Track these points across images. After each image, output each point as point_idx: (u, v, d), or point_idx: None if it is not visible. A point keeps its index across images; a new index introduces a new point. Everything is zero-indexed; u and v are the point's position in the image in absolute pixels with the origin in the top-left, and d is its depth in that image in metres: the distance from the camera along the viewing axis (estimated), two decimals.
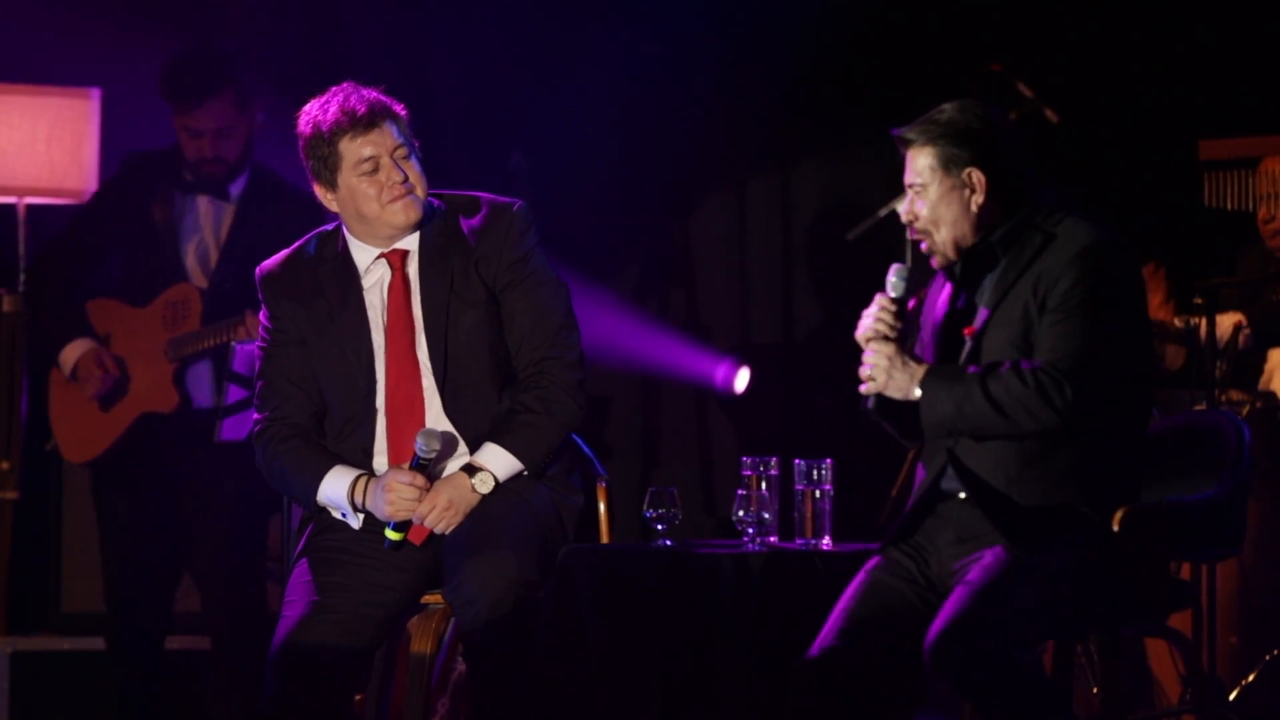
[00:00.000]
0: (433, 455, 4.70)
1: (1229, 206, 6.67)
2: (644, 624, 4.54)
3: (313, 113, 4.82)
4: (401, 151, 4.79)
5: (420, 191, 4.81)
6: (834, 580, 4.53)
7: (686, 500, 4.85)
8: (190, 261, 6.15)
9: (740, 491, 4.69)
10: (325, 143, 4.78)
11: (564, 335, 4.86)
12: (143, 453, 6.15)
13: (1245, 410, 6.32)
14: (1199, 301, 6.32)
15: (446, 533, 4.73)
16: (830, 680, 4.35)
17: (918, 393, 4.40)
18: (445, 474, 4.81)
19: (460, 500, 4.74)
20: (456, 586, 4.64)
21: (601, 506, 5.07)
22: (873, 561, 4.51)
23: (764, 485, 4.70)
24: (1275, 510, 6.28)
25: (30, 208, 7.02)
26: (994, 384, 4.35)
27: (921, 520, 4.52)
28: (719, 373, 7.69)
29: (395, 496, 4.71)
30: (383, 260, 4.86)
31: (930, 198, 4.47)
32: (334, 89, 4.83)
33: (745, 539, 4.67)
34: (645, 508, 4.71)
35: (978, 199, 4.46)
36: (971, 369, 4.41)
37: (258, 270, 4.93)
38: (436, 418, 4.81)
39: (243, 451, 6.01)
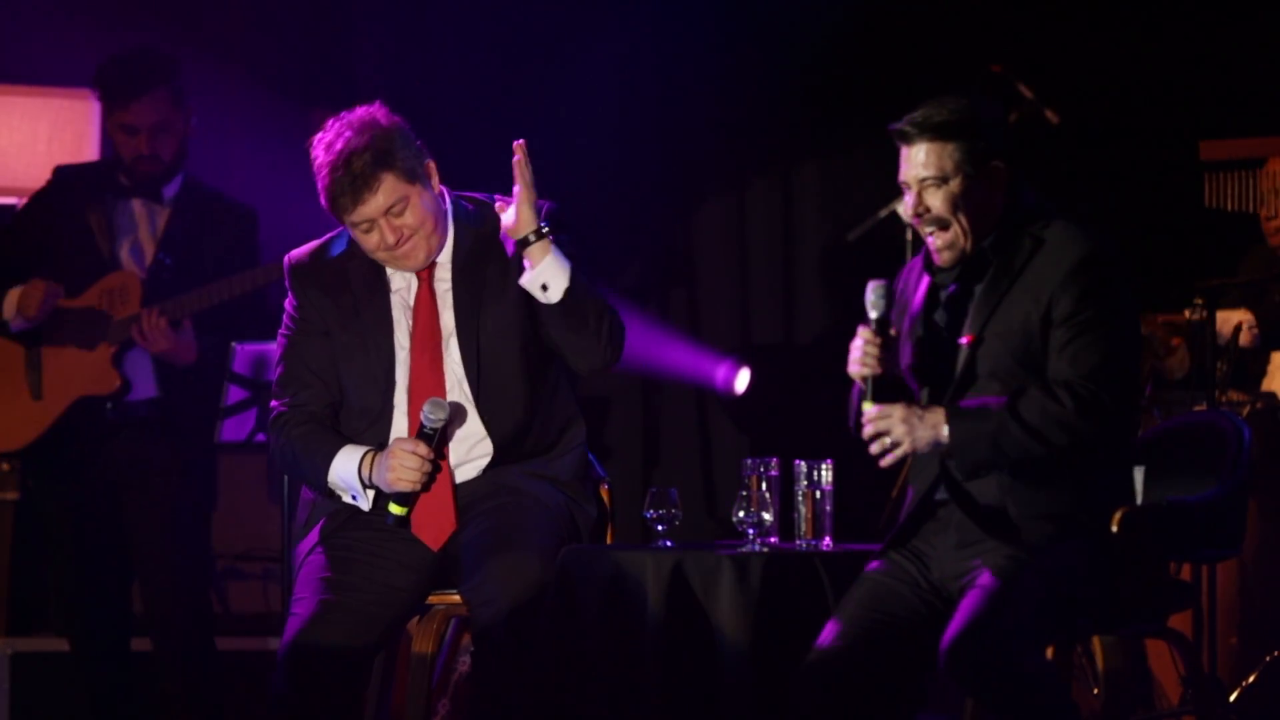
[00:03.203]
0: (439, 425, 4.67)
1: (1229, 207, 6.66)
2: (644, 625, 4.54)
3: (317, 154, 4.74)
4: (397, 208, 4.72)
5: (425, 230, 4.76)
6: (835, 581, 4.53)
7: (687, 501, 4.85)
8: (124, 257, 6.14)
9: (741, 492, 4.68)
10: (322, 199, 4.75)
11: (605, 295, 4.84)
12: (76, 441, 6.11)
13: (1245, 410, 6.31)
14: (1199, 302, 6.32)
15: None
16: (832, 683, 4.34)
17: (945, 434, 4.34)
18: (463, 480, 4.81)
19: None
20: (478, 585, 4.63)
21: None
22: (872, 565, 4.51)
23: (764, 486, 4.70)
24: (1275, 510, 6.28)
25: None
26: (1026, 412, 4.30)
27: (919, 526, 4.51)
28: (719, 373, 7.69)
29: (397, 463, 4.68)
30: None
31: (952, 190, 4.41)
32: (336, 130, 4.73)
33: (746, 540, 4.67)
34: (646, 508, 4.71)
35: (995, 194, 4.44)
36: (990, 401, 4.36)
37: (286, 259, 4.92)
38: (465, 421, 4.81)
39: (180, 440, 6.03)
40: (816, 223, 7.87)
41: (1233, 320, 6.47)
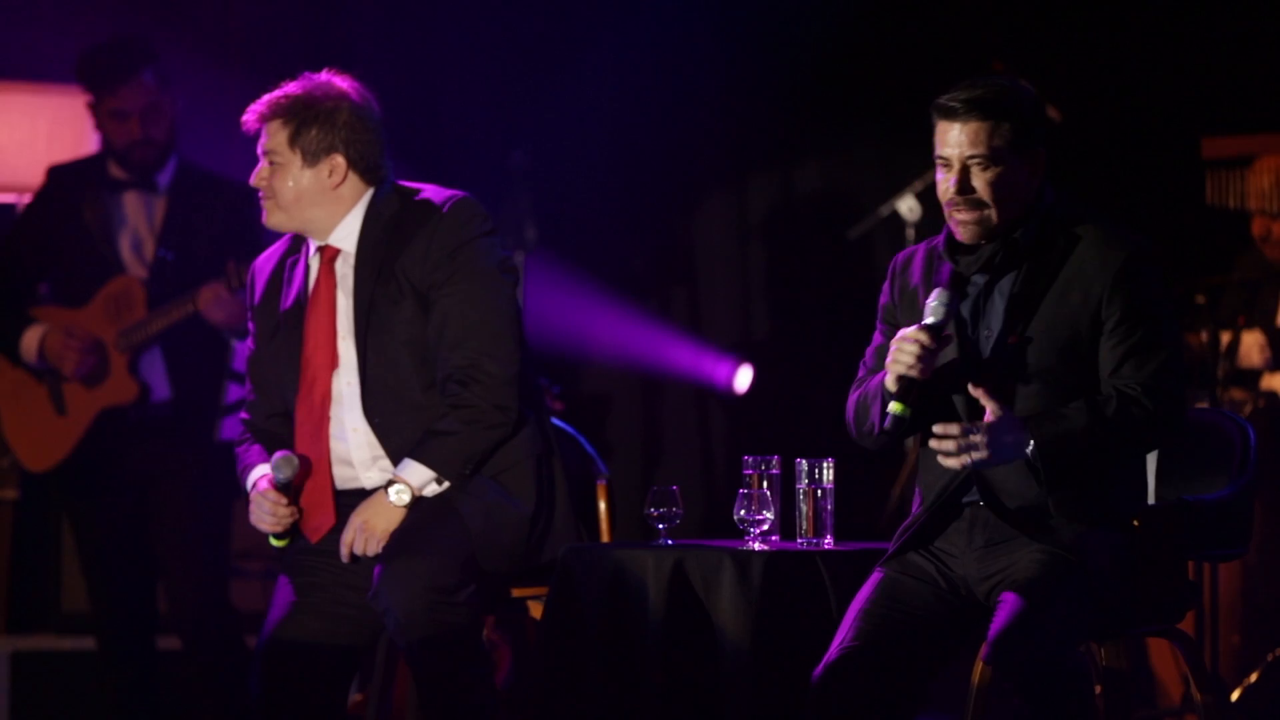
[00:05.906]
0: (287, 480, 4.69)
1: (1231, 205, 6.66)
2: (645, 623, 4.53)
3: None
4: (272, 157, 4.71)
5: (283, 200, 4.71)
6: (836, 580, 4.51)
7: (688, 499, 4.84)
8: (125, 254, 6.14)
9: (742, 491, 4.67)
10: None
11: (497, 344, 4.70)
12: (106, 451, 6.12)
13: (1247, 409, 6.31)
14: (1200, 300, 6.31)
15: (373, 552, 4.68)
16: (850, 681, 4.26)
17: (1030, 447, 4.24)
18: (371, 485, 4.77)
19: (376, 518, 4.68)
20: (375, 597, 4.62)
21: (602, 505, 5.06)
22: (883, 563, 4.46)
23: (765, 484, 4.68)
24: (1277, 509, 6.27)
25: None
26: (1118, 417, 4.23)
27: (943, 528, 4.43)
28: (720, 372, 7.69)
29: (255, 509, 4.73)
30: (319, 254, 4.80)
31: (999, 171, 4.31)
32: (325, 75, 4.79)
33: (747, 538, 4.65)
34: (647, 506, 4.70)
35: (1034, 181, 4.36)
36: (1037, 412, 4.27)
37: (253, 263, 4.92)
38: (356, 417, 4.76)
39: (206, 446, 6.04)
40: (817, 222, 7.87)
41: (1250, 342, 6.47)
